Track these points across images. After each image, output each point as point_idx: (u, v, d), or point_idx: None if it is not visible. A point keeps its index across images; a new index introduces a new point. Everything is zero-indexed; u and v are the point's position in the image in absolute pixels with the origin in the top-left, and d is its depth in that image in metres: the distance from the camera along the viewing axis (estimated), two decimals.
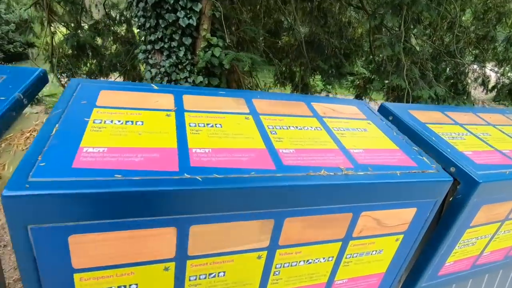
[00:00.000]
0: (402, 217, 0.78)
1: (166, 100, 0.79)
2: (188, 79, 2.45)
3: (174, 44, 2.38)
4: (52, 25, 3.62)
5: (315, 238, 0.71)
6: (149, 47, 2.44)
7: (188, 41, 2.38)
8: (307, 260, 0.74)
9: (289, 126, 0.81)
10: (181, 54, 2.39)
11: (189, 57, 2.44)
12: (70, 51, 3.43)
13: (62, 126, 0.60)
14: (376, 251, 0.82)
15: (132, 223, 0.53)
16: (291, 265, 0.73)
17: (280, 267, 0.72)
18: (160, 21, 2.30)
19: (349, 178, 0.67)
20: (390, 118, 1.07)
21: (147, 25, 2.34)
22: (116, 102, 0.72)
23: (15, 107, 0.66)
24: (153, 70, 2.48)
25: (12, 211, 0.46)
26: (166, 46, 2.38)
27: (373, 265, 0.85)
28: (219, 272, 0.66)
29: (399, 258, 0.87)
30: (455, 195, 0.86)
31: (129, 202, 0.51)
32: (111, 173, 0.52)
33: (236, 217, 0.61)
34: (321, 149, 0.75)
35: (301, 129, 0.81)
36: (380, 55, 2.28)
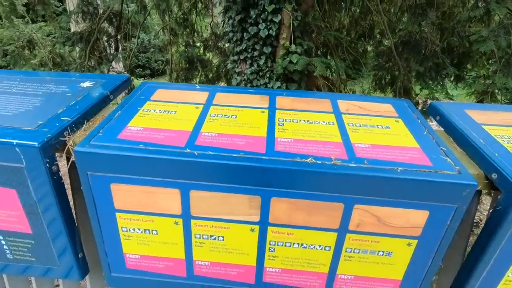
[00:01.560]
0: (411, 219, 0.73)
1: (201, 96, 0.98)
2: (268, 85, 2.67)
3: (256, 53, 2.64)
4: (174, 45, 4.54)
5: (306, 223, 0.76)
6: (236, 57, 2.78)
7: (268, 50, 2.60)
8: (302, 244, 0.79)
9: (300, 120, 0.88)
10: (261, 62, 2.63)
11: (269, 65, 2.65)
12: (184, 65, 4.22)
13: (123, 112, 0.87)
14: (383, 252, 0.78)
15: (148, 181, 0.73)
16: (285, 245, 0.80)
17: (274, 244, 0.80)
18: (244, 34, 2.60)
19: (336, 167, 0.69)
20: (437, 118, 0.97)
21: (234, 38, 2.68)
22: (164, 98, 0.96)
23: (105, 100, 0.97)
24: (238, 78, 2.81)
25: (79, 161, 0.72)
26: (249, 55, 2.67)
27: (384, 268, 0.81)
28: (218, 236, 0.80)
29: (418, 267, 0.79)
30: (495, 206, 0.73)
31: (146, 164, 0.71)
32: (137, 144, 0.73)
33: (228, 188, 0.73)
34: (322, 140, 0.79)
35: (311, 123, 0.87)
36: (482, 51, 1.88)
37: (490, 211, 0.75)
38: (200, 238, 0.80)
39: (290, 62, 2.50)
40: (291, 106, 0.95)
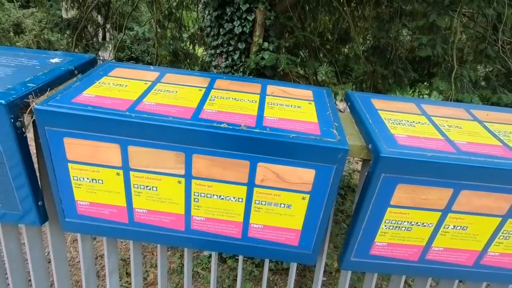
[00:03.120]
0: (303, 176, 0.92)
1: (153, 75, 1.16)
2: None
3: (231, 48, 2.83)
4: (161, 38, 4.69)
5: (222, 177, 0.94)
6: (212, 51, 2.97)
7: (242, 46, 2.79)
8: (220, 196, 0.98)
9: (229, 98, 1.06)
10: (235, 57, 2.82)
11: (243, 60, 2.84)
12: (169, 58, 4.38)
13: (81, 83, 1.04)
14: (284, 204, 0.98)
15: (94, 137, 0.91)
16: (207, 196, 0.98)
17: (198, 195, 0.98)
18: (221, 29, 2.78)
19: (242, 131, 0.88)
20: (348, 104, 1.18)
21: (212, 33, 2.86)
22: (120, 75, 1.13)
23: (70, 74, 1.14)
24: (215, 71, 2.99)
25: (38, 117, 0.89)
26: (224, 50, 2.85)
27: (287, 219, 1.00)
28: (152, 187, 0.98)
29: (312, 218, 0.99)
30: (368, 170, 0.94)
31: (91, 122, 0.88)
32: (87, 106, 0.91)
33: (158, 145, 0.91)
34: (240, 113, 0.97)
35: (238, 100, 1.05)
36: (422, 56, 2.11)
37: (365, 174, 0.95)
38: (138, 188, 0.98)
39: (262, 58, 2.69)
40: (226, 87, 1.14)
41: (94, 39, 4.69)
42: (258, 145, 0.88)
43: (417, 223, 0.98)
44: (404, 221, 0.98)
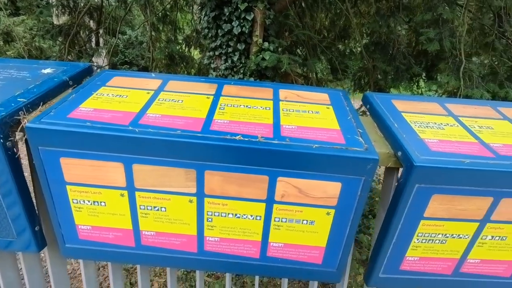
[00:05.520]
0: (327, 190, 0.84)
1: (155, 83, 1.06)
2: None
3: (230, 49, 2.73)
4: (156, 41, 4.58)
5: (238, 194, 0.85)
6: (211, 53, 2.87)
7: (241, 46, 2.70)
8: (236, 214, 0.89)
9: (240, 105, 0.97)
10: (235, 58, 2.72)
11: (243, 61, 2.75)
12: (165, 61, 4.27)
13: (77, 95, 0.94)
14: (307, 220, 0.89)
15: (94, 155, 0.81)
16: (221, 215, 0.89)
17: (211, 214, 0.89)
18: (219, 30, 2.69)
19: (260, 144, 0.79)
20: (368, 106, 1.09)
21: (209, 34, 2.77)
22: (118, 84, 1.04)
23: (63, 86, 1.04)
24: (214, 73, 2.90)
25: (30, 137, 0.80)
26: (223, 52, 2.76)
27: (310, 236, 0.91)
28: (161, 207, 0.88)
29: (337, 234, 0.90)
30: (399, 180, 0.85)
31: (91, 140, 0.79)
32: (85, 122, 0.81)
33: (166, 162, 0.82)
34: (254, 122, 0.89)
35: (250, 107, 0.96)
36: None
37: (395, 184, 0.87)
38: (144, 209, 0.89)
39: (263, 59, 2.60)
40: (236, 94, 1.05)
41: (88, 45, 4.57)
42: (278, 158, 0.80)
43: (452, 235, 0.90)
44: (439, 234, 0.89)
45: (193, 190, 0.86)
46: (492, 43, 2.29)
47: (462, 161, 0.80)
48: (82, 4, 4.12)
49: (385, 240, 0.90)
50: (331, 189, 0.84)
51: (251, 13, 2.58)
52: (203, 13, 2.75)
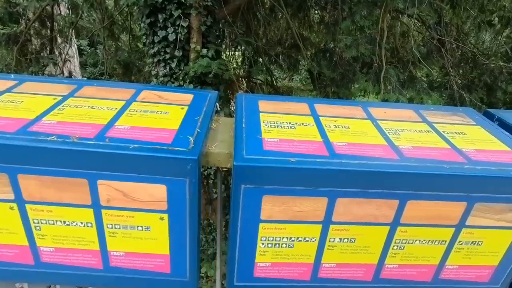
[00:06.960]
0: (154, 193, 0.79)
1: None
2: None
3: (167, 56, 2.70)
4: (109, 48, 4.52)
5: (60, 199, 0.80)
6: (151, 60, 2.83)
7: (179, 53, 2.68)
8: (64, 222, 0.82)
9: (84, 105, 0.92)
10: (173, 65, 2.70)
11: (182, 68, 2.72)
12: (119, 70, 4.21)
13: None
14: (142, 226, 0.83)
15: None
16: (49, 223, 0.83)
17: (38, 222, 0.83)
18: (155, 37, 2.66)
19: (72, 145, 0.74)
20: (235, 107, 1.06)
21: (147, 41, 2.74)
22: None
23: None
24: (155, 80, 2.86)
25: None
26: (161, 58, 2.73)
27: (150, 244, 0.86)
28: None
29: (178, 240, 0.85)
30: (230, 182, 0.81)
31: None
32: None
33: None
34: (86, 123, 0.84)
35: (95, 108, 0.92)
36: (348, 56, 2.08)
37: (221, 185, 0.83)
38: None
39: (201, 65, 2.58)
40: (91, 95, 1.00)
41: (41, 53, 4.46)
42: (92, 159, 0.75)
43: (298, 238, 0.86)
44: (283, 237, 0.86)
45: (11, 196, 0.79)
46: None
47: (289, 159, 0.77)
48: (31, 14, 4.03)
49: (230, 245, 0.86)
50: (157, 192, 0.79)
51: (187, 19, 2.57)
52: (140, 20, 2.72)
